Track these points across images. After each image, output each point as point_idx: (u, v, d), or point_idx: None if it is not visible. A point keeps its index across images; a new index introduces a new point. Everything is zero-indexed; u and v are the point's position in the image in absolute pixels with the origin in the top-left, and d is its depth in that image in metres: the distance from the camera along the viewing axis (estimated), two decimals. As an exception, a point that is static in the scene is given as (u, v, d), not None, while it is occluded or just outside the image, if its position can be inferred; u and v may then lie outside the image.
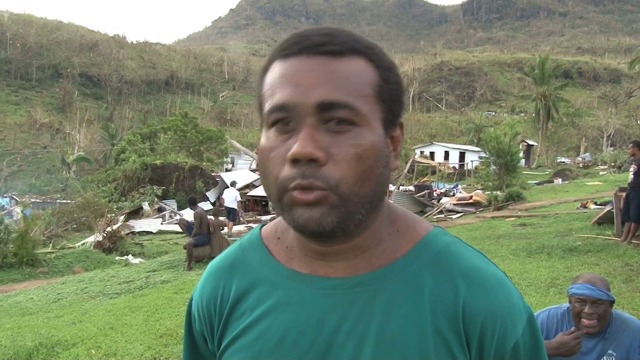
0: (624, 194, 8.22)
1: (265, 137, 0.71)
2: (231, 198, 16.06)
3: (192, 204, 10.49)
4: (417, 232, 0.78)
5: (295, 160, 0.66)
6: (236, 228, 15.99)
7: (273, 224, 0.86)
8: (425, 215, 16.42)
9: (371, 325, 0.72)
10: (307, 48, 0.69)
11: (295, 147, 0.66)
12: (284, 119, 0.68)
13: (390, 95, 0.73)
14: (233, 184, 17.29)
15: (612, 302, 2.29)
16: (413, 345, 0.70)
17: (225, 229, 14.86)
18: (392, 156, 0.74)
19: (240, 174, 25.04)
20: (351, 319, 0.72)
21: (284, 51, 0.71)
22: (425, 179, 31.30)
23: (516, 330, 0.73)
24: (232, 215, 15.97)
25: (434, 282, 0.73)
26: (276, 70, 0.71)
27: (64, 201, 21.97)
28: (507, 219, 12.62)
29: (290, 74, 0.69)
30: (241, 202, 17.75)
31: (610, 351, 2.25)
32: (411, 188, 24.01)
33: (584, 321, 2.26)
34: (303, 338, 0.73)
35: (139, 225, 18.07)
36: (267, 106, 0.70)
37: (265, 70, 0.74)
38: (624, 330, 2.27)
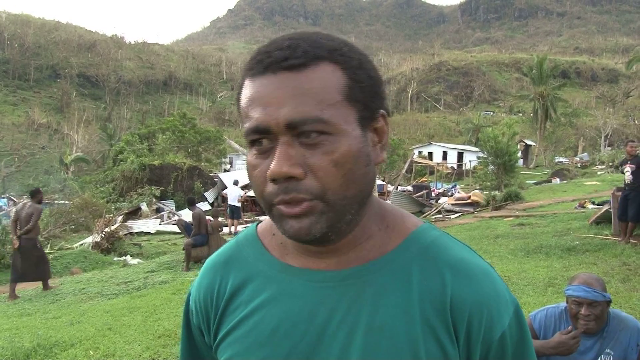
0: (620, 194, 8.21)
1: (250, 155, 0.73)
2: (233, 196, 16.11)
3: (191, 204, 10.49)
4: (406, 227, 0.80)
5: (274, 180, 0.68)
6: (239, 227, 15.99)
7: (268, 220, 0.88)
8: (424, 215, 16.43)
9: (361, 315, 0.74)
10: (269, 66, 0.69)
11: (272, 167, 0.67)
12: (259, 139, 0.70)
13: (363, 93, 0.72)
14: (236, 182, 17.35)
15: (608, 302, 2.30)
16: (402, 334, 0.72)
17: (225, 229, 14.86)
18: (377, 149, 0.75)
19: (238, 174, 25.00)
20: (342, 309, 0.75)
21: (250, 70, 0.72)
22: (423, 179, 31.34)
23: (503, 321, 0.74)
24: (236, 213, 16.00)
25: (422, 274, 0.75)
26: (246, 90, 0.72)
27: (62, 202, 21.92)
28: (505, 219, 12.63)
29: (258, 96, 0.70)
30: (243, 198, 17.76)
31: (608, 350, 2.26)
32: (409, 188, 24.00)
33: (581, 322, 2.26)
34: (295, 329, 0.76)
35: (137, 225, 18.02)
36: (245, 127, 0.72)
37: (240, 88, 0.75)
38: (621, 330, 2.28)
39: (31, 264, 8.32)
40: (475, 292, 0.73)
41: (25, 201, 9.08)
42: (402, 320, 0.73)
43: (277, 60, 0.69)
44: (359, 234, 0.78)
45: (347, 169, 0.69)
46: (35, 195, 8.52)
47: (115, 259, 12.35)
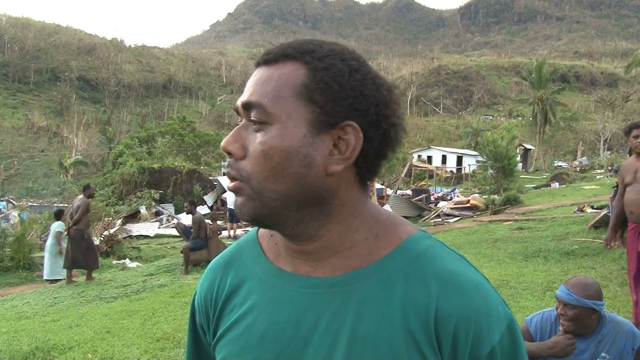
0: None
1: None
2: (233, 200, 16.14)
3: (192, 206, 10.50)
4: (397, 236, 0.79)
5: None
6: (238, 231, 16.01)
7: None
8: (423, 219, 16.44)
9: (345, 323, 0.74)
10: (257, 62, 0.79)
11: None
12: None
13: (323, 97, 0.72)
14: None
15: (592, 310, 2.29)
16: (384, 344, 0.72)
17: (224, 233, 14.86)
18: (334, 159, 0.73)
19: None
20: (327, 317, 0.75)
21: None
22: (422, 183, 31.37)
23: (492, 336, 0.72)
24: (235, 217, 16.00)
25: (408, 284, 0.74)
26: None
27: (61, 205, 21.91)
28: (504, 223, 12.63)
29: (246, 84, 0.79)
30: None
31: (603, 354, 2.27)
32: (408, 192, 24.03)
33: (560, 320, 2.34)
34: (283, 334, 0.77)
35: (136, 229, 18.00)
36: None
37: None
38: (617, 334, 2.29)
39: (80, 253, 9.25)
40: (463, 306, 0.71)
41: (79, 196, 10.11)
42: (385, 330, 0.72)
43: (260, 57, 0.78)
44: (337, 242, 0.78)
45: (276, 162, 0.72)
46: (85, 190, 9.60)
47: (114, 262, 12.34)
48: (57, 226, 10.00)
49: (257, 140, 0.73)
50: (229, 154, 0.75)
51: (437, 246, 0.78)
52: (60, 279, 9.80)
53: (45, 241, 14.21)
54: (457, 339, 0.71)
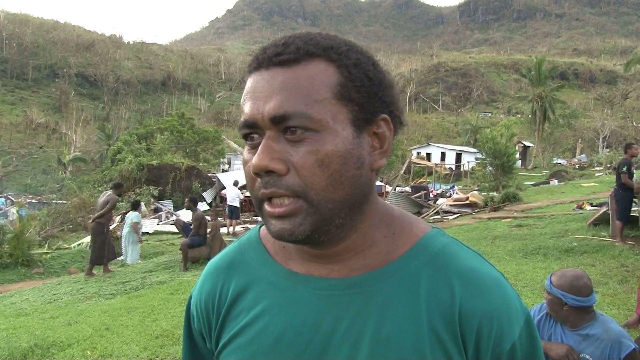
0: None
1: (245, 151, 0.73)
2: (232, 196, 16.19)
3: (195, 204, 10.50)
4: (414, 234, 0.78)
5: (257, 174, 0.68)
6: (237, 228, 16.05)
7: None
8: (422, 216, 16.44)
9: (367, 325, 0.72)
10: (263, 61, 0.70)
11: (253, 160, 0.67)
12: (250, 134, 0.70)
13: (359, 94, 0.70)
14: (236, 183, 17.41)
15: (560, 300, 2.29)
16: (409, 345, 0.70)
17: (223, 229, 14.86)
18: (375, 154, 0.73)
19: (236, 174, 25.00)
20: (347, 319, 0.73)
21: (249, 67, 0.73)
22: (421, 179, 31.37)
23: (513, 332, 0.72)
24: (235, 214, 16.06)
25: (430, 283, 0.73)
26: (245, 86, 0.73)
27: (60, 201, 21.86)
28: (503, 220, 12.63)
29: (250, 90, 0.70)
30: (242, 200, 17.84)
31: (587, 356, 2.23)
32: (407, 189, 24.03)
33: None
34: (300, 338, 0.73)
35: (135, 225, 17.97)
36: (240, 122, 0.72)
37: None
38: (604, 339, 2.23)
39: (94, 247, 9.47)
40: (485, 303, 0.71)
41: (106, 191, 10.40)
42: (410, 331, 0.71)
43: (269, 56, 0.70)
44: (360, 241, 0.76)
45: (333, 169, 0.67)
46: (117, 187, 9.88)
47: (113, 258, 12.31)
48: (134, 216, 10.71)
49: (302, 150, 0.66)
50: (269, 172, 0.67)
51: (453, 243, 0.78)
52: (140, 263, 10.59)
53: (44, 235, 14.22)
54: (480, 337, 0.71)
